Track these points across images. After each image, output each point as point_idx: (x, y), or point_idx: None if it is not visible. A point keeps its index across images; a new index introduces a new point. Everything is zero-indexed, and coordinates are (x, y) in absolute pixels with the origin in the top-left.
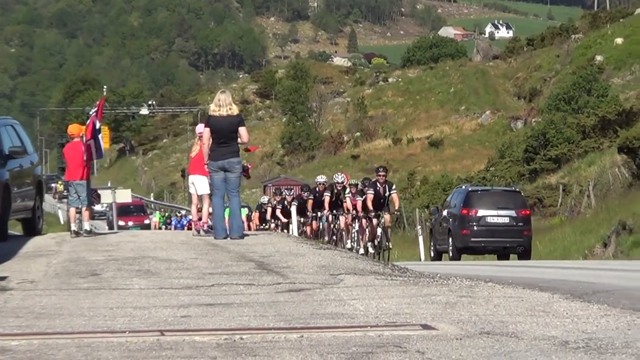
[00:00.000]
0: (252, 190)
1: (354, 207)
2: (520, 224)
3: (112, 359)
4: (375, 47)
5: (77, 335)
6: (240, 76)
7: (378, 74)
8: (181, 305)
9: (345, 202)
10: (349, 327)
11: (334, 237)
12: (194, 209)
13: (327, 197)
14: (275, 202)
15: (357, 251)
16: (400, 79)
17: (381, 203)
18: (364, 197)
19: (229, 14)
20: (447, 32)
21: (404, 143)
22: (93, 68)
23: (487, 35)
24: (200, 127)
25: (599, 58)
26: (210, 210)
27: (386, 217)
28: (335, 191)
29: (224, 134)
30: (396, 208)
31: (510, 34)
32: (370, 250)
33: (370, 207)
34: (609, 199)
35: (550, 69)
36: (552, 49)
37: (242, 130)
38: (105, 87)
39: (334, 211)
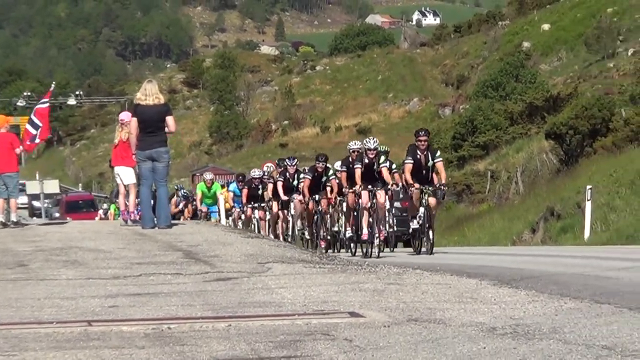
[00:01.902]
0: (180, 180)
1: (339, 184)
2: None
3: (39, 350)
4: (303, 35)
5: (4, 326)
6: (168, 66)
7: (306, 62)
8: (109, 296)
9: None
10: (277, 316)
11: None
12: (121, 200)
13: (307, 180)
14: (277, 176)
15: (345, 235)
16: (327, 67)
17: (423, 176)
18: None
19: (155, 4)
20: (375, 19)
21: (332, 131)
22: (20, 59)
23: (414, 22)
24: (123, 115)
25: (526, 44)
26: (138, 200)
27: (430, 200)
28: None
29: (152, 124)
30: (443, 181)
31: (438, 21)
32: (415, 224)
33: (410, 180)
34: (536, 185)
35: (478, 55)
36: (479, 35)
37: (170, 120)
38: (54, 83)
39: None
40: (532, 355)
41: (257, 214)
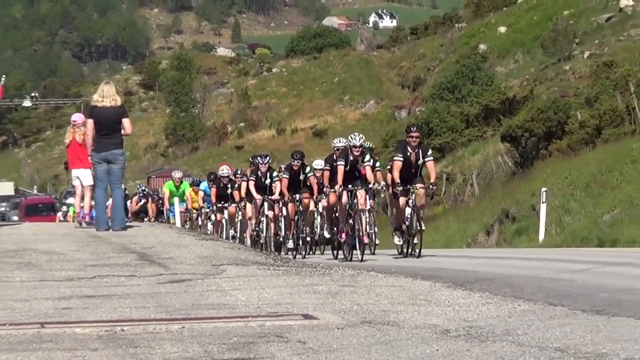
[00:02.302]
0: (135, 182)
1: (319, 183)
2: None
3: None
4: (259, 37)
5: None
6: (124, 67)
7: (262, 64)
8: (62, 297)
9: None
10: (231, 318)
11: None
12: (77, 201)
13: (285, 180)
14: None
15: (321, 237)
16: (284, 69)
17: (412, 175)
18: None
19: (112, 5)
20: (331, 21)
21: (288, 133)
22: None
23: (371, 24)
24: (76, 116)
25: (482, 47)
26: (93, 202)
27: (419, 192)
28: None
29: (108, 125)
30: (432, 180)
31: (394, 23)
32: (397, 241)
33: (397, 179)
34: (492, 187)
35: (434, 58)
36: (435, 38)
37: (126, 122)
38: (4, 76)
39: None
40: (485, 357)
41: (227, 213)
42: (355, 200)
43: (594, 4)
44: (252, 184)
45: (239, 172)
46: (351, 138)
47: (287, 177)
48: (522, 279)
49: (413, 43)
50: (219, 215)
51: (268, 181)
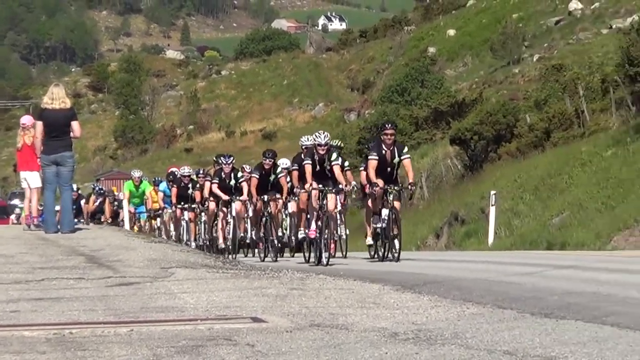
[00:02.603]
0: (84, 185)
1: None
2: None
3: None
4: (209, 40)
5: None
6: (73, 70)
7: (211, 66)
8: (10, 300)
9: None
10: (179, 321)
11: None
12: (26, 204)
13: (254, 179)
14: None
15: (291, 242)
16: (233, 72)
17: (388, 174)
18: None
19: (60, 7)
20: (280, 24)
21: (237, 136)
22: None
23: (320, 27)
24: (25, 119)
25: (431, 50)
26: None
27: (395, 204)
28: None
29: (57, 128)
30: (410, 180)
31: (344, 26)
32: (369, 240)
33: (373, 179)
34: (441, 190)
35: (383, 60)
36: (385, 41)
37: (75, 124)
38: None
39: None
40: None
41: (187, 215)
42: (325, 202)
43: (543, 7)
44: (215, 186)
45: (201, 172)
46: (316, 136)
47: (257, 176)
48: (471, 282)
49: (362, 46)
50: (178, 212)
51: (232, 182)
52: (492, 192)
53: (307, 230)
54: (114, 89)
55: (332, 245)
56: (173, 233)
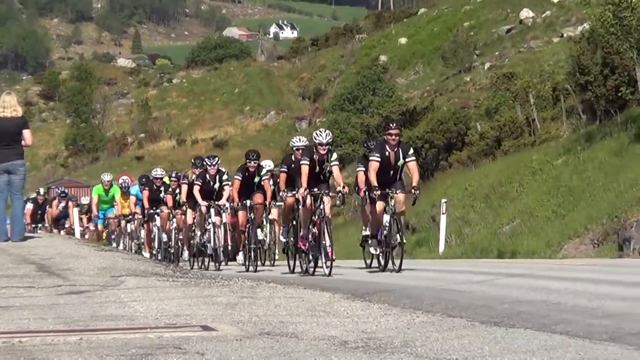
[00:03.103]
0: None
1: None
2: None
3: None
4: (160, 48)
5: None
6: (24, 78)
7: (162, 75)
8: None
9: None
10: (129, 329)
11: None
12: None
13: (237, 182)
14: (192, 177)
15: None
16: (184, 80)
17: (390, 177)
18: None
19: (11, 15)
20: (232, 32)
21: (189, 144)
22: None
23: (271, 35)
24: None
25: (383, 58)
26: None
27: (398, 197)
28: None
29: (8, 136)
30: (415, 183)
31: (295, 34)
32: (373, 250)
33: (374, 182)
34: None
35: (335, 69)
36: (336, 49)
37: (27, 133)
38: None
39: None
40: None
41: (159, 220)
42: (321, 206)
43: (494, 16)
44: (197, 188)
45: (172, 175)
46: (317, 134)
47: (240, 179)
48: (422, 290)
49: (314, 54)
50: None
51: (217, 185)
52: (443, 200)
53: (285, 237)
54: (65, 97)
55: (331, 253)
56: (143, 239)
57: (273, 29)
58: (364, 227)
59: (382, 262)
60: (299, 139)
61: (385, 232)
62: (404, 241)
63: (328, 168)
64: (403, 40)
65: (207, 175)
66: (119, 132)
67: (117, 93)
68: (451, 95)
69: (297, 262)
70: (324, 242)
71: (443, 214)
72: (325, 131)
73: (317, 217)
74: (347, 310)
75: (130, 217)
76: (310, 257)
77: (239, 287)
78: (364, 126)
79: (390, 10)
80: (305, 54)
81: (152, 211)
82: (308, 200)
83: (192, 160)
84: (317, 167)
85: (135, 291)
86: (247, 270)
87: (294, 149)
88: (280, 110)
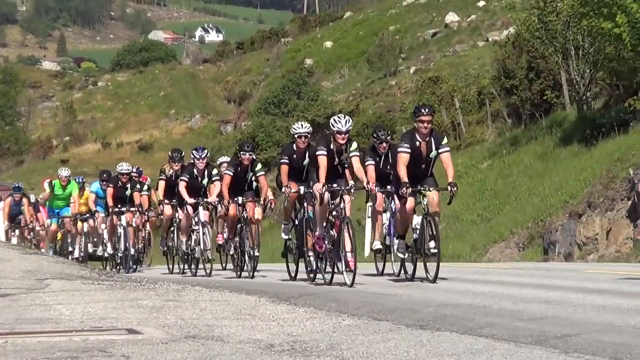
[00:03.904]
0: None
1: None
2: None
3: None
4: (85, 51)
5: None
6: None
7: (87, 78)
8: None
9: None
10: (55, 332)
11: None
12: None
13: (227, 177)
14: (169, 171)
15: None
16: (109, 83)
17: (422, 171)
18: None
19: None
20: (157, 35)
21: (114, 147)
22: None
23: (197, 39)
24: None
25: (308, 61)
26: None
27: (431, 195)
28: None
29: None
30: (450, 178)
31: (221, 37)
32: (401, 253)
33: (404, 177)
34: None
35: (260, 72)
36: (261, 52)
37: None
38: None
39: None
40: None
41: (125, 219)
42: (342, 205)
43: (420, 20)
44: (183, 184)
45: (134, 170)
46: (336, 121)
47: (231, 173)
48: (347, 294)
49: (239, 57)
50: (114, 219)
51: (206, 181)
52: (369, 204)
53: (286, 235)
54: None
55: (351, 260)
56: (106, 240)
57: (198, 33)
58: (372, 237)
59: (410, 270)
60: (301, 125)
61: (416, 236)
62: (440, 249)
63: (346, 160)
64: (329, 43)
65: (195, 170)
66: (44, 135)
67: (42, 96)
68: (377, 99)
69: (293, 267)
70: (344, 248)
71: (368, 217)
72: (344, 117)
73: (336, 217)
74: (273, 314)
75: (87, 215)
76: (327, 263)
77: (165, 290)
78: (288, 130)
79: (315, 13)
80: (230, 58)
81: (117, 209)
82: (325, 197)
83: (170, 154)
84: (336, 159)
85: (60, 294)
86: (239, 277)
87: (296, 136)
88: (206, 114)
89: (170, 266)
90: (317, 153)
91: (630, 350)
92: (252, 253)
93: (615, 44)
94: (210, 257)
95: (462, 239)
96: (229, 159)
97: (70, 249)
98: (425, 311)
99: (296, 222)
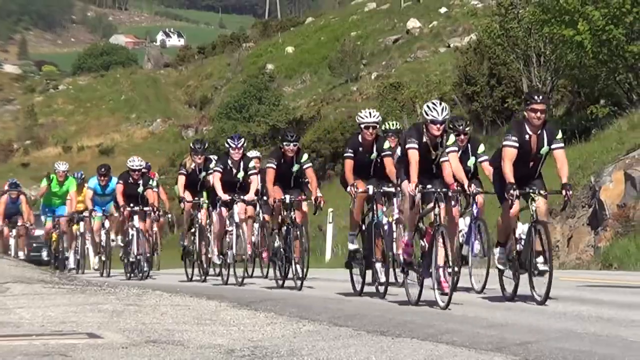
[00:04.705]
0: None
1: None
2: None
3: None
4: (47, 54)
5: None
6: None
7: (49, 81)
8: None
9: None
10: (14, 336)
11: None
12: None
13: (271, 171)
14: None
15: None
16: (71, 87)
17: (530, 170)
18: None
19: None
20: (119, 39)
21: (75, 151)
22: None
23: (158, 43)
24: None
25: (270, 67)
26: None
27: (541, 200)
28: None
29: None
30: (564, 179)
31: (182, 42)
32: (501, 264)
33: (511, 178)
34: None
35: (222, 77)
36: (223, 57)
37: None
38: None
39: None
40: None
41: (137, 221)
42: (437, 211)
43: (381, 26)
44: (217, 176)
45: (144, 165)
46: (430, 108)
47: (274, 166)
48: (308, 300)
49: (200, 62)
50: (126, 214)
51: (241, 175)
52: (330, 209)
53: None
54: None
55: (445, 281)
56: (115, 242)
57: (160, 37)
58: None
59: (511, 289)
60: (370, 113)
61: (520, 246)
62: (552, 266)
63: (440, 157)
64: (290, 49)
65: (230, 162)
66: (5, 139)
67: (2, 99)
68: (338, 104)
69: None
70: (436, 263)
71: (330, 223)
72: (440, 104)
73: (437, 227)
74: (234, 319)
75: (84, 214)
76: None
77: (125, 294)
78: (250, 135)
79: (277, 19)
80: (192, 62)
81: (130, 208)
82: (417, 198)
83: (192, 145)
84: (433, 154)
85: (21, 298)
86: (282, 286)
87: (362, 126)
88: (167, 118)
89: (189, 271)
90: (407, 147)
91: (590, 357)
92: (301, 260)
93: (577, 51)
94: (246, 260)
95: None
96: (258, 154)
97: (66, 254)
98: (386, 317)
99: (363, 227)
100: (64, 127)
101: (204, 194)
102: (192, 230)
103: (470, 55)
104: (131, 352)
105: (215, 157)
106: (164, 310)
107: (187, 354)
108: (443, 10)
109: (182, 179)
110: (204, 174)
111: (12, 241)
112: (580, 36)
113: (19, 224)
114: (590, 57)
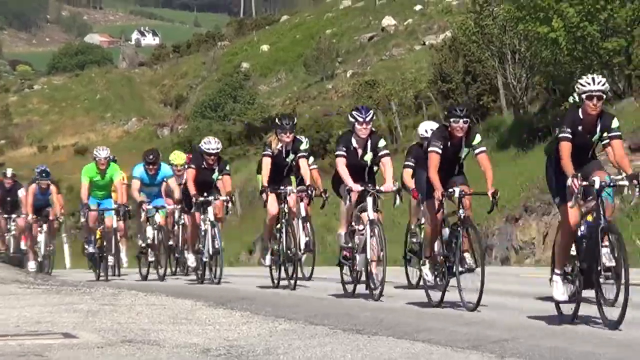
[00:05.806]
0: None
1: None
2: None
3: None
4: (21, 54)
5: None
6: None
7: (23, 81)
8: None
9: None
10: None
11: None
12: None
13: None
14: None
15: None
16: (46, 86)
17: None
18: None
19: None
20: (93, 39)
21: (50, 150)
22: None
23: (133, 42)
24: None
25: (245, 65)
26: None
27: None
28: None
29: None
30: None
31: (157, 41)
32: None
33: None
34: (254, 206)
35: (197, 76)
36: (197, 56)
37: None
38: None
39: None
40: None
41: (212, 212)
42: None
43: (356, 23)
44: (267, 160)
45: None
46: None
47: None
48: (284, 298)
49: (175, 61)
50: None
51: (290, 159)
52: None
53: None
54: None
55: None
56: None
57: (135, 36)
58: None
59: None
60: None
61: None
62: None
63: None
64: (265, 47)
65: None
66: None
67: None
68: (313, 102)
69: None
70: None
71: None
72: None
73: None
74: (210, 318)
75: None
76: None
77: (101, 294)
78: (226, 133)
79: (252, 17)
80: (166, 61)
81: (202, 198)
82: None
83: (279, 121)
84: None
85: None
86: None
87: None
88: (142, 117)
89: (275, 274)
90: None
91: (566, 354)
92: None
93: (552, 48)
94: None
95: (398, 242)
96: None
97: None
98: (362, 315)
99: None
100: (39, 126)
101: (292, 179)
102: (279, 226)
103: (446, 53)
104: (107, 352)
105: (304, 138)
106: (140, 310)
107: (163, 353)
108: (418, 7)
109: (267, 162)
110: (292, 156)
111: (40, 237)
112: (555, 33)
113: (50, 218)
114: (565, 54)
